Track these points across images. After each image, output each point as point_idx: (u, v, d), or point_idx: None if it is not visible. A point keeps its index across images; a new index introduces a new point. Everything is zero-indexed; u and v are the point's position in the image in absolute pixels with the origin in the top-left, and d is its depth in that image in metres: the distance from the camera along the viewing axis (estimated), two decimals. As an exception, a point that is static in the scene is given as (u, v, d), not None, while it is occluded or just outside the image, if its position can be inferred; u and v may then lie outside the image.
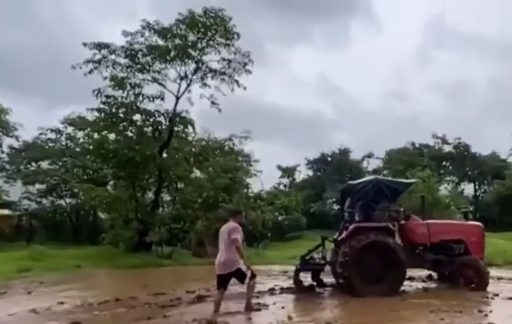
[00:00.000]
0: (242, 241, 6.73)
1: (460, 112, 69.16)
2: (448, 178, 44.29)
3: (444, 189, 38.21)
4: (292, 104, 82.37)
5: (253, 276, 6.82)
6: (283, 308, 7.42)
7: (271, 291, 9.28)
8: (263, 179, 35.62)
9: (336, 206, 42.02)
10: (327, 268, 9.45)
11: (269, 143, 65.62)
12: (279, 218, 34.85)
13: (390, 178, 11.00)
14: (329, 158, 45.03)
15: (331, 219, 38.45)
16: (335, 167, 43.46)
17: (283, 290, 9.38)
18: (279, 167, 43.41)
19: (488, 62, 76.19)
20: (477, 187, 44.95)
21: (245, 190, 32.21)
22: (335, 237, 9.43)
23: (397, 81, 78.83)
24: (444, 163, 44.94)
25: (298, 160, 45.28)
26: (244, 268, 6.68)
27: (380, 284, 8.27)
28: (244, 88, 20.91)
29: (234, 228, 6.77)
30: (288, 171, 43.47)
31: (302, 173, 45.25)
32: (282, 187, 41.93)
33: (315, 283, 9.49)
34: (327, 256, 9.33)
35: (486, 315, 6.44)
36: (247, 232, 28.92)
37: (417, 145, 48.71)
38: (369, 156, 46.39)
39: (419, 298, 8.10)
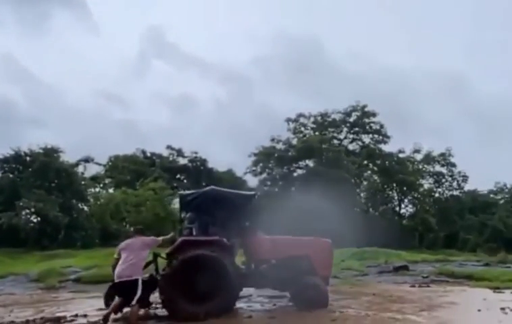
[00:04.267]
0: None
1: (185, 126, 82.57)
2: (182, 192, 47.48)
3: (178, 203, 40.38)
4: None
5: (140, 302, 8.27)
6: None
7: None
8: None
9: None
10: None
11: None
12: None
13: (226, 189, 11.67)
14: (28, 158, 40.64)
15: (26, 235, 35.58)
16: (37, 170, 39.42)
17: None
18: None
19: (211, 83, 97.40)
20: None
21: None
22: (167, 252, 9.62)
23: (113, 84, 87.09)
24: (178, 176, 47.86)
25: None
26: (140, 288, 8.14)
27: (206, 303, 8.79)
28: None
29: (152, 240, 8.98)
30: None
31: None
32: None
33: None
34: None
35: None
36: None
37: (148, 154, 50.58)
38: (87, 160, 45.03)
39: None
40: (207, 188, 10.39)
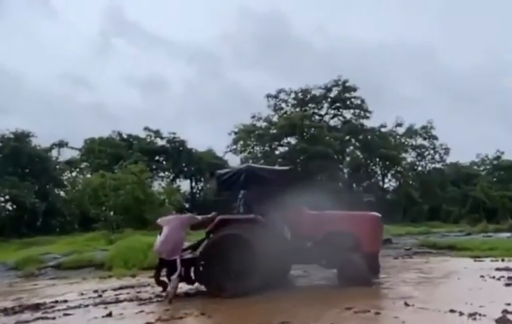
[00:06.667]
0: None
1: (156, 107, 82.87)
2: (162, 174, 47.79)
3: (157, 185, 40.55)
4: None
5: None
6: None
7: None
8: None
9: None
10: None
11: None
12: None
13: (261, 166, 12.13)
14: (-2, 144, 40.16)
15: (3, 223, 35.18)
16: (8, 156, 39.06)
17: None
18: None
19: (178, 62, 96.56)
20: (193, 184, 50.69)
21: None
22: (206, 229, 9.91)
23: (78, 68, 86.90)
24: (157, 158, 47.71)
25: None
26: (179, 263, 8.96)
27: (240, 280, 9.01)
28: None
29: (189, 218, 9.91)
30: None
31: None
32: None
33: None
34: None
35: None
36: None
37: (125, 136, 50.20)
38: (61, 145, 44.67)
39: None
40: (243, 166, 10.81)
